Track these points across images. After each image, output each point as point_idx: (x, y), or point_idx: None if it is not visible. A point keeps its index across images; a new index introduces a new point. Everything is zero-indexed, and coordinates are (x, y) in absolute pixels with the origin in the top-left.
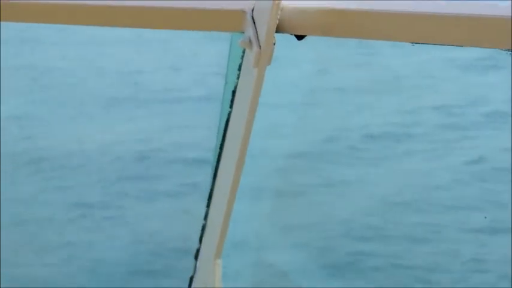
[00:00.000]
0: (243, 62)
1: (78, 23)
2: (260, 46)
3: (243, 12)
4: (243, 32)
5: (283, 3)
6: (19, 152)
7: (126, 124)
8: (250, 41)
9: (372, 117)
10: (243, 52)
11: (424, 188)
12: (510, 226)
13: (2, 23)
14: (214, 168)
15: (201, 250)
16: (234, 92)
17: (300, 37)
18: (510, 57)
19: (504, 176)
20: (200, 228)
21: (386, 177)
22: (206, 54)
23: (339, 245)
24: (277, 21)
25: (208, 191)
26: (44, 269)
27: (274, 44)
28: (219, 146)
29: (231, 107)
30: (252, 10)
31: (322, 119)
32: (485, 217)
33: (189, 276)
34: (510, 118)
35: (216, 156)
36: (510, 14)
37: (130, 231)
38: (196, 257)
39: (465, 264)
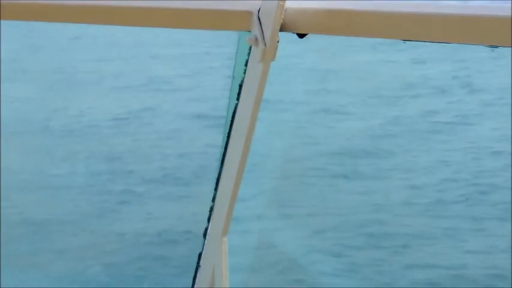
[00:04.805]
0: (250, 58)
1: (99, 22)
2: (265, 43)
3: (250, 12)
4: (250, 31)
5: (287, 5)
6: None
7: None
8: (256, 39)
9: None
10: (250, 49)
11: None
12: None
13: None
14: (222, 155)
15: (209, 229)
16: (240, 86)
17: (301, 35)
18: None
19: None
20: (208, 209)
21: None
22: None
23: None
24: (281, 21)
25: (216, 175)
26: None
27: (278, 41)
28: (226, 136)
29: (237, 99)
30: (258, 11)
31: None
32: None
33: (198, 252)
34: None
35: (224, 144)
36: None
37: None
38: (204, 235)
39: None
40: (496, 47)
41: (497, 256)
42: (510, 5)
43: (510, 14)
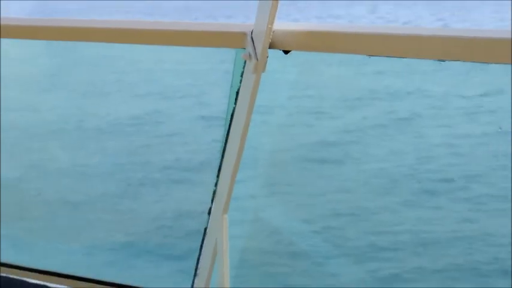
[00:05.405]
0: (244, 71)
1: (112, 41)
2: (257, 58)
3: (244, 33)
4: (245, 48)
5: (275, 27)
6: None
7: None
8: (250, 55)
9: None
10: (244, 63)
11: None
12: None
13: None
14: (222, 148)
15: (212, 208)
16: (237, 93)
17: (286, 52)
18: None
19: None
20: (212, 192)
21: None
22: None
23: None
24: (270, 40)
25: (218, 164)
26: None
27: (268, 57)
28: (226, 133)
29: (235, 103)
30: (252, 32)
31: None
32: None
33: (204, 227)
34: None
35: (224, 140)
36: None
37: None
38: (209, 213)
39: None
40: (443, 60)
41: (445, 221)
42: (457, 27)
43: (456, 35)
